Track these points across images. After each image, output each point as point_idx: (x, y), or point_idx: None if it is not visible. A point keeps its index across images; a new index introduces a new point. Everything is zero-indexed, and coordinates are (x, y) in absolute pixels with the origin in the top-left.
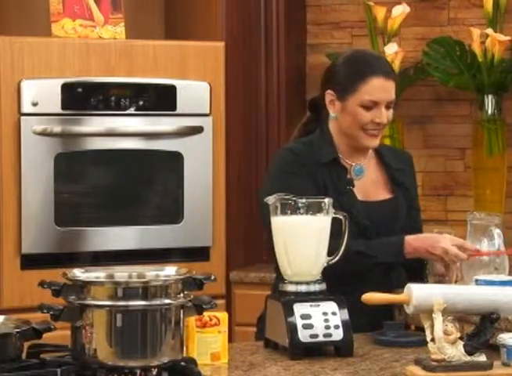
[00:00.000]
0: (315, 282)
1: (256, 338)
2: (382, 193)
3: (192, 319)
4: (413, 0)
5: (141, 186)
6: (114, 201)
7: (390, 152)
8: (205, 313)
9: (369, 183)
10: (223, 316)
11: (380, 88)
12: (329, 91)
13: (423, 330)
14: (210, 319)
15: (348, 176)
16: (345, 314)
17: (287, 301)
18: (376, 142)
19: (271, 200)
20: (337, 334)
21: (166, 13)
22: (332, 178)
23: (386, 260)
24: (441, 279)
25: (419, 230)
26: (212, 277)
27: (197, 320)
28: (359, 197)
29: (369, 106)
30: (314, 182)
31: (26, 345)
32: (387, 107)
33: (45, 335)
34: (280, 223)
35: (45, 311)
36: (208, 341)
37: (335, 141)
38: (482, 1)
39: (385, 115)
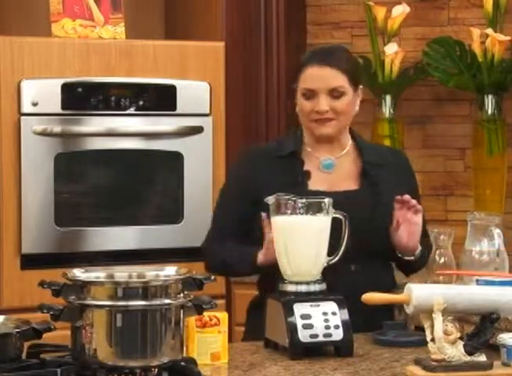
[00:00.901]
0: (315, 282)
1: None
2: (347, 185)
3: (192, 319)
4: (413, 0)
5: (141, 186)
6: (114, 201)
7: (371, 148)
8: (205, 313)
9: (339, 176)
10: (223, 316)
11: (314, 76)
12: (295, 84)
13: (423, 330)
14: (210, 320)
15: (306, 168)
16: (345, 314)
17: (287, 301)
18: (327, 129)
19: (271, 200)
20: (337, 334)
21: (166, 13)
22: (285, 171)
23: (241, 270)
24: None
25: (384, 229)
26: (212, 277)
27: (197, 320)
28: (323, 188)
29: (309, 96)
30: (252, 179)
31: (26, 345)
32: (333, 96)
33: (45, 335)
34: (280, 223)
35: (45, 311)
36: (208, 341)
37: (305, 136)
38: (482, 1)
39: (324, 103)
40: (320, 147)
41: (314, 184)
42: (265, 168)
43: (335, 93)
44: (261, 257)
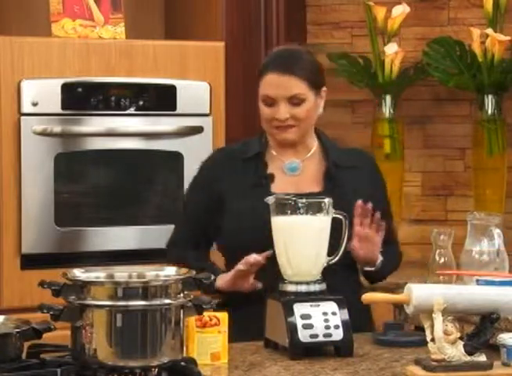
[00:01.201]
0: (315, 282)
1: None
2: (311, 188)
3: (192, 319)
4: (413, 0)
5: (141, 186)
6: (114, 201)
7: (337, 150)
8: (205, 313)
9: (304, 178)
10: (223, 316)
11: (274, 84)
12: None
13: (423, 330)
14: (210, 319)
15: (270, 171)
16: (345, 314)
17: (287, 301)
18: (285, 136)
19: (271, 200)
20: (337, 334)
21: (166, 13)
22: (248, 173)
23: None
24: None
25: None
26: (212, 277)
27: (197, 320)
28: (287, 190)
29: (269, 103)
30: (215, 180)
31: (26, 345)
32: (293, 103)
33: (45, 335)
34: (280, 223)
35: (45, 311)
36: (208, 341)
37: (269, 138)
38: (482, 1)
39: (283, 111)
40: (285, 151)
41: (278, 187)
42: (229, 168)
43: (295, 100)
44: (221, 282)
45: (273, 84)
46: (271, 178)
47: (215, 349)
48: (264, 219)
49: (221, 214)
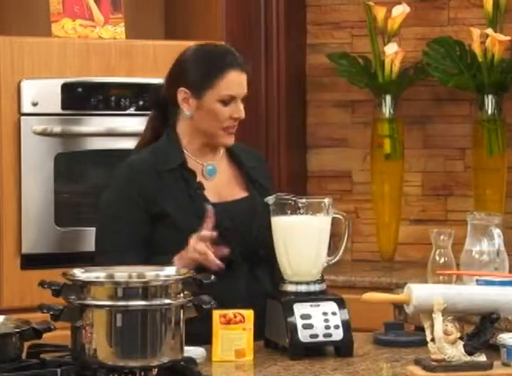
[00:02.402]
0: (315, 282)
1: None
2: (237, 193)
3: (216, 314)
4: (413, 0)
5: None
6: None
7: (241, 150)
8: (230, 311)
9: (223, 183)
10: (248, 313)
11: (237, 82)
12: (182, 88)
13: (423, 330)
14: (235, 317)
15: (198, 180)
16: (345, 314)
17: (287, 301)
18: (232, 140)
19: (271, 200)
20: (337, 334)
21: (166, 13)
22: (179, 185)
23: None
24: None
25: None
26: (212, 277)
27: (221, 317)
28: (212, 198)
29: (227, 102)
30: (149, 196)
31: (26, 345)
32: (242, 102)
33: (45, 335)
34: (280, 223)
35: (45, 311)
36: (232, 337)
37: (184, 142)
38: (482, 1)
39: (242, 110)
40: (204, 154)
41: (207, 196)
42: (154, 182)
43: (243, 99)
44: (177, 262)
45: (235, 82)
46: (201, 186)
47: (240, 346)
48: (224, 226)
49: (158, 226)
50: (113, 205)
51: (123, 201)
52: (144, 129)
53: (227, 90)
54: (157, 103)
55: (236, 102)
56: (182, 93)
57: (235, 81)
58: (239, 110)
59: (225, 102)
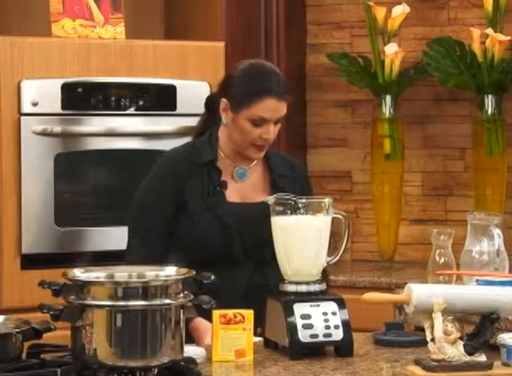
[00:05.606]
0: (315, 282)
1: None
2: (259, 196)
3: (216, 314)
4: (413, 0)
5: None
6: (114, 201)
7: (277, 157)
8: (230, 311)
9: (250, 186)
10: (248, 313)
11: (272, 109)
12: (223, 99)
13: (423, 330)
14: (235, 317)
15: (223, 179)
16: (345, 314)
17: (287, 301)
18: (261, 155)
19: (271, 200)
20: (337, 334)
21: (166, 13)
22: (203, 179)
23: None
24: None
25: None
26: (212, 277)
27: (221, 317)
28: (234, 198)
29: (258, 123)
30: (179, 185)
31: (26, 345)
32: (275, 123)
33: (45, 335)
34: (280, 223)
35: (45, 311)
36: (232, 338)
37: (221, 145)
38: (482, 1)
39: (272, 132)
40: (236, 158)
41: (228, 195)
42: (186, 173)
43: (278, 121)
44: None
45: (271, 108)
46: (224, 185)
47: (240, 346)
48: (215, 226)
49: (178, 218)
50: (148, 191)
51: (155, 184)
52: (196, 126)
53: (260, 113)
54: (208, 104)
55: (268, 124)
56: (223, 103)
57: (269, 108)
58: (268, 132)
59: (256, 123)
